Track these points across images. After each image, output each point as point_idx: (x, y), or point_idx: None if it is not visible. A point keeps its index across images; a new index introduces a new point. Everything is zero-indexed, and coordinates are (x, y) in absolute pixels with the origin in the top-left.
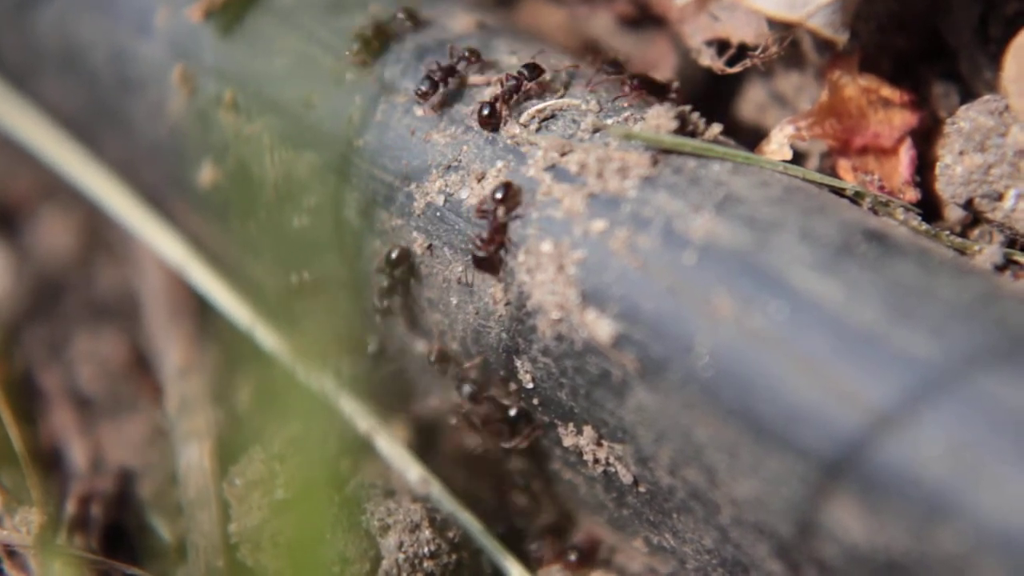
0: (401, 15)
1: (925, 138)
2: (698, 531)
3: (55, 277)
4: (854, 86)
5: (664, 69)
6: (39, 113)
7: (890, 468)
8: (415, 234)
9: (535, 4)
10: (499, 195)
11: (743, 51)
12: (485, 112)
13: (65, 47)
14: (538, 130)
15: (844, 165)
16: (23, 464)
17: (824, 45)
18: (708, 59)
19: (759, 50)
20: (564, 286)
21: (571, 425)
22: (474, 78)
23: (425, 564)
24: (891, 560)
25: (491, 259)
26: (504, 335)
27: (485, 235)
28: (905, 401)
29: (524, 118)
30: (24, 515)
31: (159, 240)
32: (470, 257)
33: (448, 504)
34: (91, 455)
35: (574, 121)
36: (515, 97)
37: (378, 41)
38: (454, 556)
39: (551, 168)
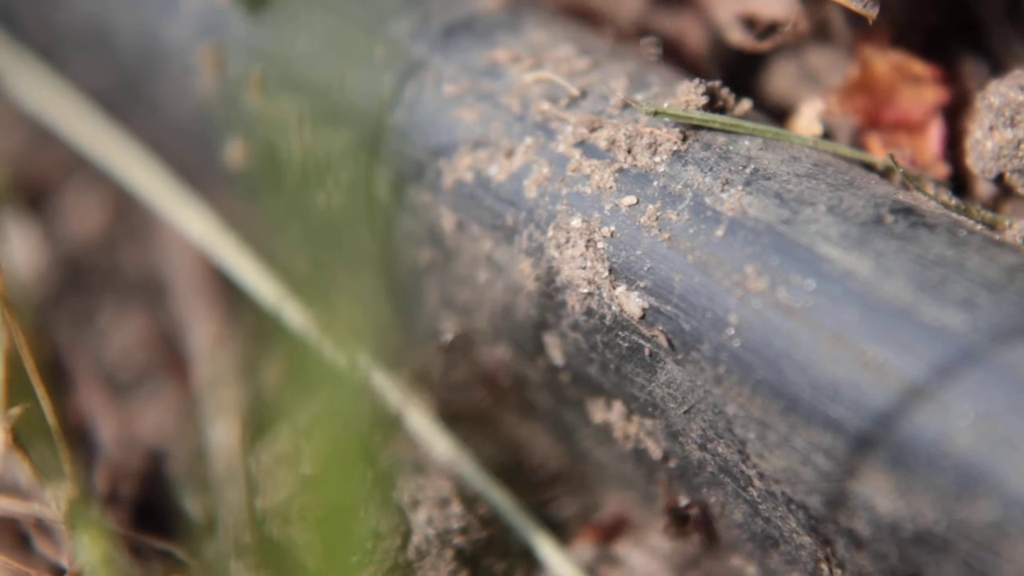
0: None
1: (955, 113)
2: (728, 505)
3: (82, 255)
4: (884, 61)
5: (693, 45)
6: (65, 91)
7: (920, 440)
8: (444, 209)
9: None
10: None
11: (773, 26)
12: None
13: (90, 26)
14: (568, 106)
15: (874, 140)
16: (55, 439)
17: (854, 20)
18: (738, 35)
19: (789, 25)
20: (594, 261)
21: (601, 401)
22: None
23: (455, 539)
24: (922, 530)
25: None
26: (533, 311)
27: None
28: (934, 373)
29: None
30: (54, 490)
31: (186, 218)
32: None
33: (478, 480)
34: (120, 432)
35: (603, 97)
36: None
37: None
38: (484, 532)
39: (580, 144)
